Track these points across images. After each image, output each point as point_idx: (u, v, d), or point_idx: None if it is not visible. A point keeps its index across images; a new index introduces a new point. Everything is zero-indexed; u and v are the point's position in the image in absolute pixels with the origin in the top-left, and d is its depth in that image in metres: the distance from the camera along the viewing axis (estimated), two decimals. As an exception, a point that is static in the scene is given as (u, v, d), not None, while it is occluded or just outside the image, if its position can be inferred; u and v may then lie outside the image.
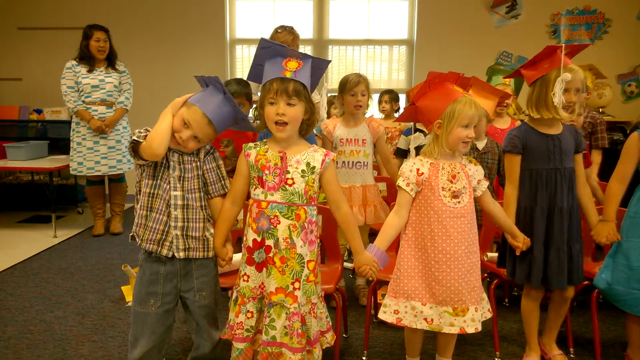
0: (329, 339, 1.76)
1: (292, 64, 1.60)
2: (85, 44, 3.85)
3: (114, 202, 4.15)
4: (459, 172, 1.73)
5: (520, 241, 1.89)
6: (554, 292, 2.04)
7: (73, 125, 3.94)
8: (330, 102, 3.67)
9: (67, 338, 2.32)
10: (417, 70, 5.32)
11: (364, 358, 2.15)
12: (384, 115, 4.23)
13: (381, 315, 1.78)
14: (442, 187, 1.71)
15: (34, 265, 3.32)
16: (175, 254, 1.66)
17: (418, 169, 1.73)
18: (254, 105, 1.80)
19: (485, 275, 2.30)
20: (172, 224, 1.64)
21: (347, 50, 5.49)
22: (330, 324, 1.79)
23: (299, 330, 1.61)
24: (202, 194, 1.70)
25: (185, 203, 1.66)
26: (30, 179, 5.05)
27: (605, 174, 2.83)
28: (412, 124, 2.98)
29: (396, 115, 4.16)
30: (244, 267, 1.67)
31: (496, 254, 2.16)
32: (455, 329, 1.71)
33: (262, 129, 1.72)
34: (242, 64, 5.48)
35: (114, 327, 2.42)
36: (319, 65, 1.67)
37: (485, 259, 2.32)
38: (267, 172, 1.63)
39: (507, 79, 4.00)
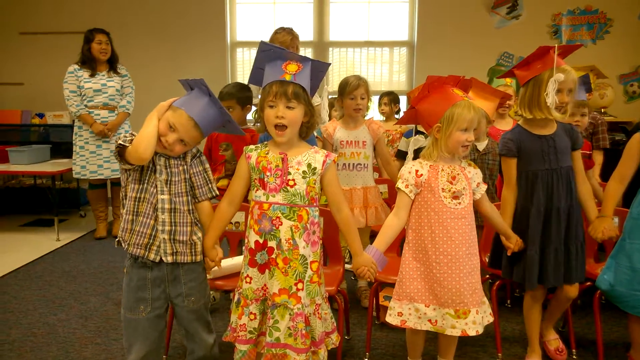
0: (334, 339, 1.77)
1: (292, 67, 1.61)
2: (87, 47, 3.86)
3: (116, 205, 4.16)
4: (458, 174, 1.74)
5: (512, 242, 1.90)
6: (557, 292, 2.04)
7: (76, 129, 3.95)
8: (330, 105, 3.67)
9: (70, 341, 2.33)
10: (418, 71, 5.32)
11: (366, 360, 2.15)
12: (384, 118, 4.23)
13: (387, 318, 1.79)
14: (442, 189, 1.71)
15: (37, 269, 3.33)
16: (163, 258, 1.64)
17: (417, 171, 1.74)
18: (254, 109, 1.80)
19: (487, 276, 2.30)
20: (160, 227, 1.62)
21: (348, 52, 5.50)
22: (335, 325, 1.80)
23: (303, 331, 1.62)
24: (189, 197, 1.68)
25: (173, 207, 1.64)
26: (32, 182, 5.07)
27: (606, 174, 2.83)
28: (413, 125, 2.98)
29: (396, 117, 4.16)
30: (247, 269, 1.68)
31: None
32: (457, 331, 1.71)
33: (262, 131, 1.73)
34: (242, 66, 5.49)
35: (117, 330, 2.42)
36: (319, 68, 1.67)
37: (487, 261, 2.32)
38: (268, 173, 1.64)
39: (509, 80, 3.99)
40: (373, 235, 2.65)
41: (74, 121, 4.03)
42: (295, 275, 1.62)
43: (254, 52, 1.67)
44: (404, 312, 1.76)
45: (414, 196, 1.75)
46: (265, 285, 1.66)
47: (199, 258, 1.71)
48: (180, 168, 1.66)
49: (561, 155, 1.91)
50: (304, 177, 1.64)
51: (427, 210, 1.73)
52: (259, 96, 1.70)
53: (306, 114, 1.65)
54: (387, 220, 1.78)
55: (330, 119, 3.07)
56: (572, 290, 1.98)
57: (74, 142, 3.97)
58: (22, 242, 3.97)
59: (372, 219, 2.59)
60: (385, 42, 5.46)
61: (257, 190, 1.66)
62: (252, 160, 1.68)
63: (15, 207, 4.93)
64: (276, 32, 2.98)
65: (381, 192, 2.75)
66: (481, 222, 2.29)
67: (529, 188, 1.93)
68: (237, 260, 2.07)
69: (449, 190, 1.71)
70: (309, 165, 1.65)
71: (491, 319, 1.80)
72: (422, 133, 2.76)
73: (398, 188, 1.76)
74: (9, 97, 5.46)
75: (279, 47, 1.67)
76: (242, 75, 5.46)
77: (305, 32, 5.37)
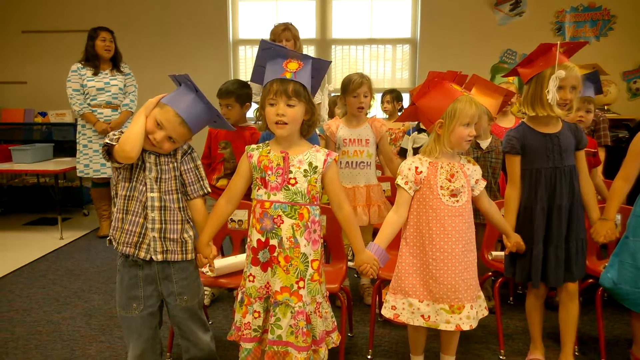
0: (335, 339, 1.77)
1: (293, 65, 1.61)
2: (91, 44, 3.87)
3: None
4: (457, 171, 1.75)
5: (511, 241, 1.89)
6: (559, 292, 2.04)
7: (79, 128, 3.97)
8: (333, 102, 3.67)
9: (74, 338, 2.34)
10: (421, 69, 5.30)
11: (369, 357, 2.16)
12: (387, 115, 4.23)
13: (382, 311, 1.82)
14: (441, 186, 1.72)
15: (41, 267, 3.35)
16: (153, 257, 1.63)
17: (417, 168, 1.74)
18: (255, 106, 1.80)
19: (490, 273, 2.30)
20: (150, 226, 1.61)
21: (350, 49, 5.49)
22: (336, 324, 1.80)
23: (304, 329, 1.63)
24: (180, 195, 1.67)
25: (163, 205, 1.62)
26: (36, 181, 5.09)
27: (609, 171, 2.82)
28: (416, 123, 2.98)
29: (399, 114, 4.15)
30: (249, 268, 1.68)
31: (501, 253, 2.16)
32: (451, 326, 1.72)
33: (263, 129, 1.73)
34: (245, 64, 5.49)
35: (120, 328, 2.42)
36: (320, 66, 1.67)
37: (490, 258, 2.32)
38: (269, 172, 1.64)
39: (511, 77, 3.98)
40: (376, 233, 2.65)
41: (76, 120, 4.04)
42: (296, 273, 1.63)
43: (256, 50, 1.66)
44: (397, 306, 1.78)
45: (414, 193, 1.76)
46: (268, 283, 1.66)
47: (190, 256, 1.69)
48: (171, 165, 1.64)
49: (565, 153, 1.91)
50: (305, 176, 1.64)
51: (424, 207, 1.74)
52: (261, 94, 1.70)
53: (307, 112, 1.65)
54: (387, 217, 1.80)
55: (332, 117, 3.08)
56: (572, 286, 1.97)
57: (77, 140, 3.98)
58: (25, 240, 3.99)
59: (375, 217, 2.59)
60: (387, 39, 5.45)
61: (258, 189, 1.67)
62: (254, 160, 1.68)
63: (18, 206, 4.96)
64: (274, 26, 2.97)
65: (384, 190, 2.75)
66: (483, 220, 2.28)
67: (533, 186, 1.92)
68: (240, 258, 2.07)
69: (447, 188, 1.72)
70: (310, 163, 1.65)
71: (486, 313, 1.82)
72: (423, 130, 2.75)
73: (398, 185, 1.77)
74: (12, 96, 5.48)
75: (279, 45, 1.67)
76: (245, 73, 5.45)
77: (308, 30, 5.37)
